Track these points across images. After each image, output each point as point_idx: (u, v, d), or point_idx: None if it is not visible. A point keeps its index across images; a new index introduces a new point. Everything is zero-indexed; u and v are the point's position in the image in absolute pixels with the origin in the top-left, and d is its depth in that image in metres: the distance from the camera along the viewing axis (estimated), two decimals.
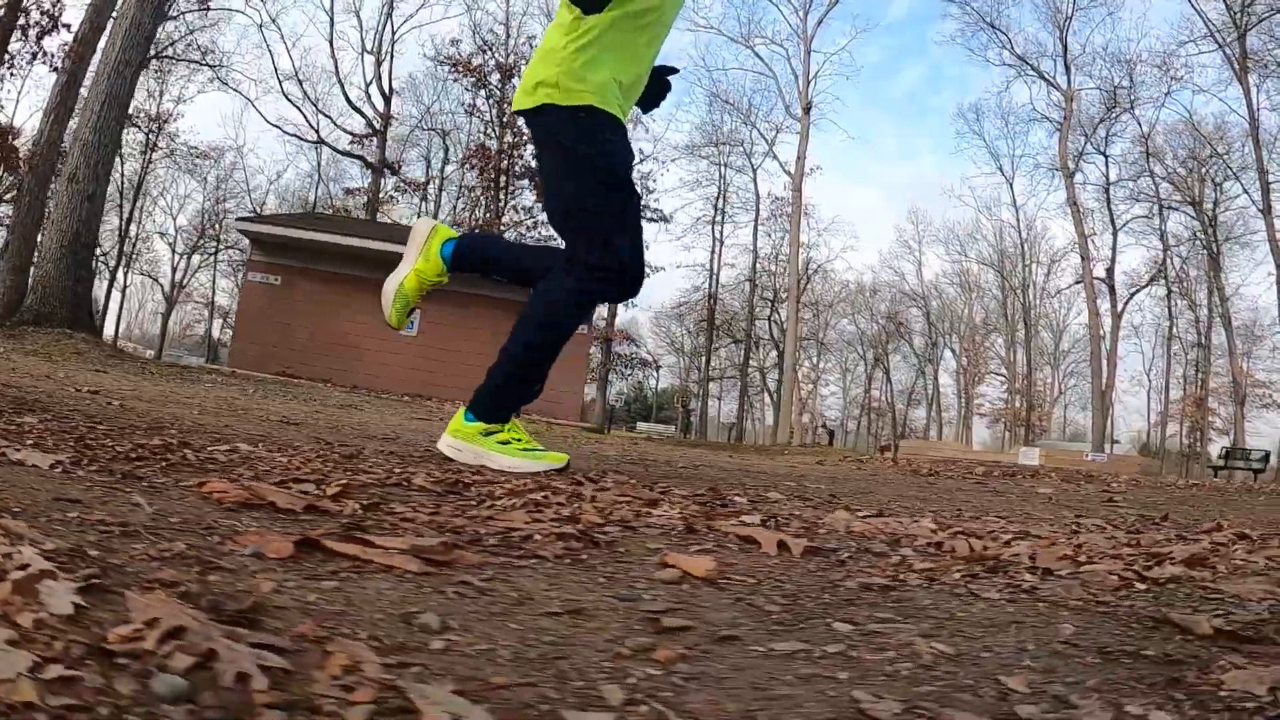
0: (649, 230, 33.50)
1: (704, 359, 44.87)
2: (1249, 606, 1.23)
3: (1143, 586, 1.36)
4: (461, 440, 2.78)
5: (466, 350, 17.11)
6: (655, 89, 3.15)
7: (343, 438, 3.86)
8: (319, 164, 39.23)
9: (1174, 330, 49.56)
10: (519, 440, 2.77)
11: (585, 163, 2.74)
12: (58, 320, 15.09)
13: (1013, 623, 1.12)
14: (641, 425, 40.70)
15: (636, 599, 1.13)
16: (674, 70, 3.21)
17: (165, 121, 40.89)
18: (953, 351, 52.78)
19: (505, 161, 28.62)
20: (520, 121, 3.08)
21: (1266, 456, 26.70)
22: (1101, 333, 45.42)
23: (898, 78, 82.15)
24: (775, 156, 35.03)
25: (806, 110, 33.17)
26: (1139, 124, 39.28)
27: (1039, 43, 39.73)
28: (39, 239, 16.66)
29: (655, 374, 45.92)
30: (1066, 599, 1.26)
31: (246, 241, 21.67)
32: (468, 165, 30.58)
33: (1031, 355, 48.02)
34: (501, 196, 29.15)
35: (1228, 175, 39.86)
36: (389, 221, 30.96)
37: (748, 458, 9.29)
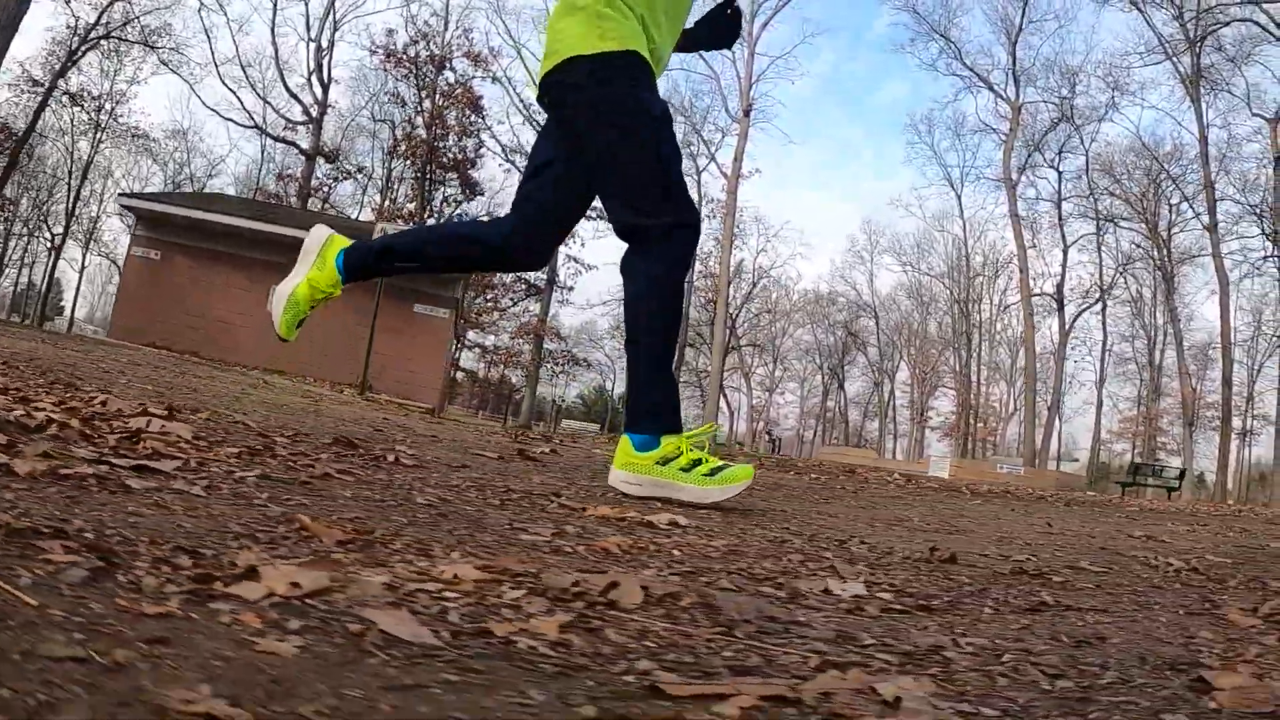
0: (590, 231, 33.34)
1: None
2: None
3: None
4: (638, 474, 2.46)
5: (329, 330, 17.68)
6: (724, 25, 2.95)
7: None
8: (262, 150, 39.15)
9: (1132, 349, 49.45)
10: (702, 462, 2.46)
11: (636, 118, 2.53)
12: None
13: None
14: (567, 422, 40.49)
15: None
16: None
17: (118, 102, 40.83)
18: (908, 364, 52.59)
19: (432, 151, 28.43)
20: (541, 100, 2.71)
21: (1182, 474, 26.27)
22: (1050, 348, 45.34)
23: (856, 84, 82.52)
24: (714, 160, 34.92)
25: (746, 112, 33.00)
26: (1081, 139, 39.14)
27: (990, 54, 39.59)
28: None
29: (583, 372, 45.49)
30: None
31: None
32: (395, 154, 30.40)
33: (976, 369, 47.84)
34: (429, 187, 28.97)
35: (1184, 196, 39.70)
36: (284, 204, 30.92)
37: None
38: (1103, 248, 44.12)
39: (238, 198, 28.94)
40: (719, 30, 2.89)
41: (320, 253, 2.77)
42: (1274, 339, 35.03)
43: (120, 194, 24.32)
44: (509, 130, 43.27)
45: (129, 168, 47.34)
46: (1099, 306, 44.26)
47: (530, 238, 2.75)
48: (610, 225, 2.59)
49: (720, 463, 2.46)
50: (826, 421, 55.30)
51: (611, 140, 2.50)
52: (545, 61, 2.56)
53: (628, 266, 2.56)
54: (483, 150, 31.11)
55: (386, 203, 30.83)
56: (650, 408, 2.50)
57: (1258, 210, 35.03)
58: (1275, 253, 33.43)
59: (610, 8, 2.47)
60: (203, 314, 19.07)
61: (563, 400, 54.59)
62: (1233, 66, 35.49)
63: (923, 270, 50.09)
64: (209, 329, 18.66)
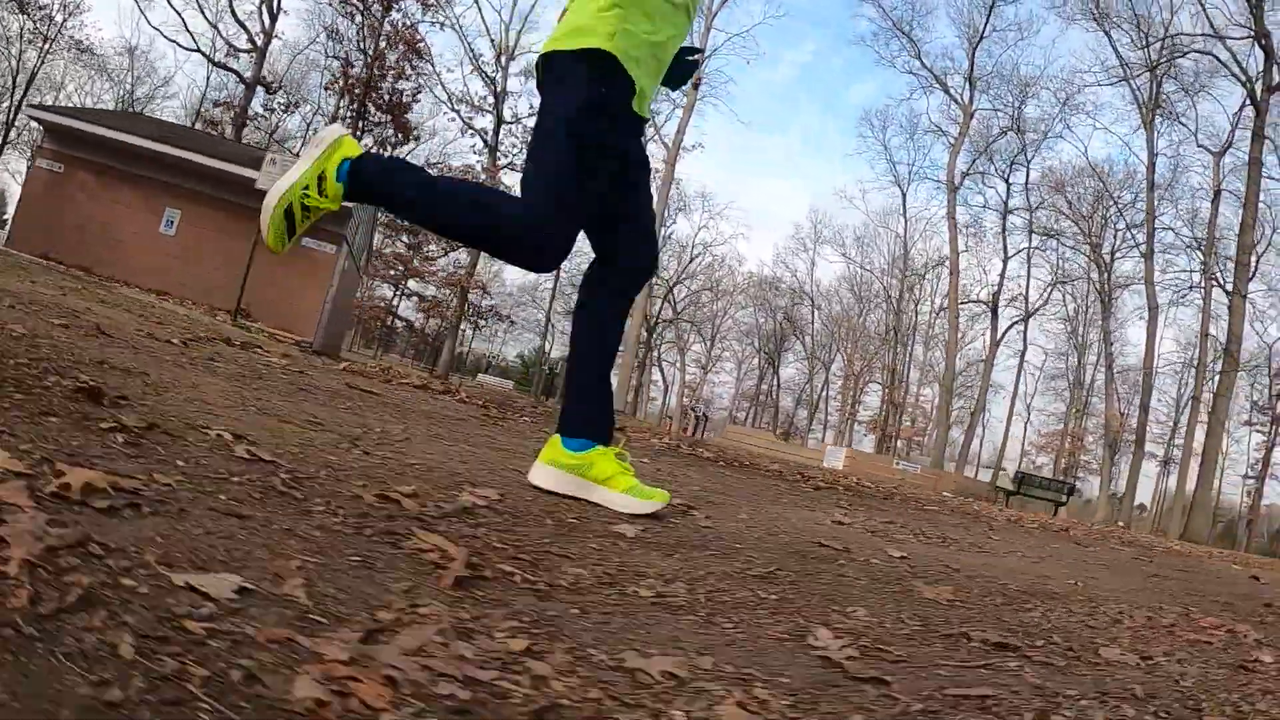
0: None
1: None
2: None
3: None
4: (563, 472, 2.49)
5: (218, 256, 17.96)
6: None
7: None
8: (208, 76, 38.53)
9: (1066, 366, 50.16)
10: (622, 474, 2.49)
11: None
12: None
13: None
14: (483, 377, 40.43)
15: None
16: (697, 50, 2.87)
17: (70, 13, 39.98)
18: (843, 356, 52.99)
19: (368, 91, 28.08)
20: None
21: (1071, 489, 26.44)
22: (986, 356, 45.89)
23: (834, 78, 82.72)
24: (658, 130, 34.79)
25: (695, 85, 32.80)
26: (1025, 150, 39.48)
27: (952, 58, 39.77)
28: None
29: (508, 328, 45.36)
30: None
31: None
32: (332, 90, 30.04)
33: (907, 367, 48.31)
34: (363, 125, 28.64)
35: (1128, 224, 40.22)
36: (216, 133, 30.45)
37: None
38: (1045, 264, 44.65)
39: (152, 119, 28.37)
40: (671, 70, 2.76)
41: (322, 155, 2.33)
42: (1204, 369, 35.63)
43: (29, 105, 23.86)
44: (459, 79, 42.76)
45: (82, 83, 46.51)
46: (1031, 318, 44.82)
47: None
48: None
49: (636, 483, 2.50)
50: (760, 405, 55.71)
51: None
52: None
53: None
54: (419, 95, 30.83)
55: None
56: (584, 414, 2.53)
57: (1194, 243, 35.62)
58: (1202, 284, 34.00)
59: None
60: (99, 231, 18.98)
61: (498, 358, 54.63)
62: (1187, 98, 35.87)
63: (858, 263, 50.53)
64: (104, 247, 18.56)
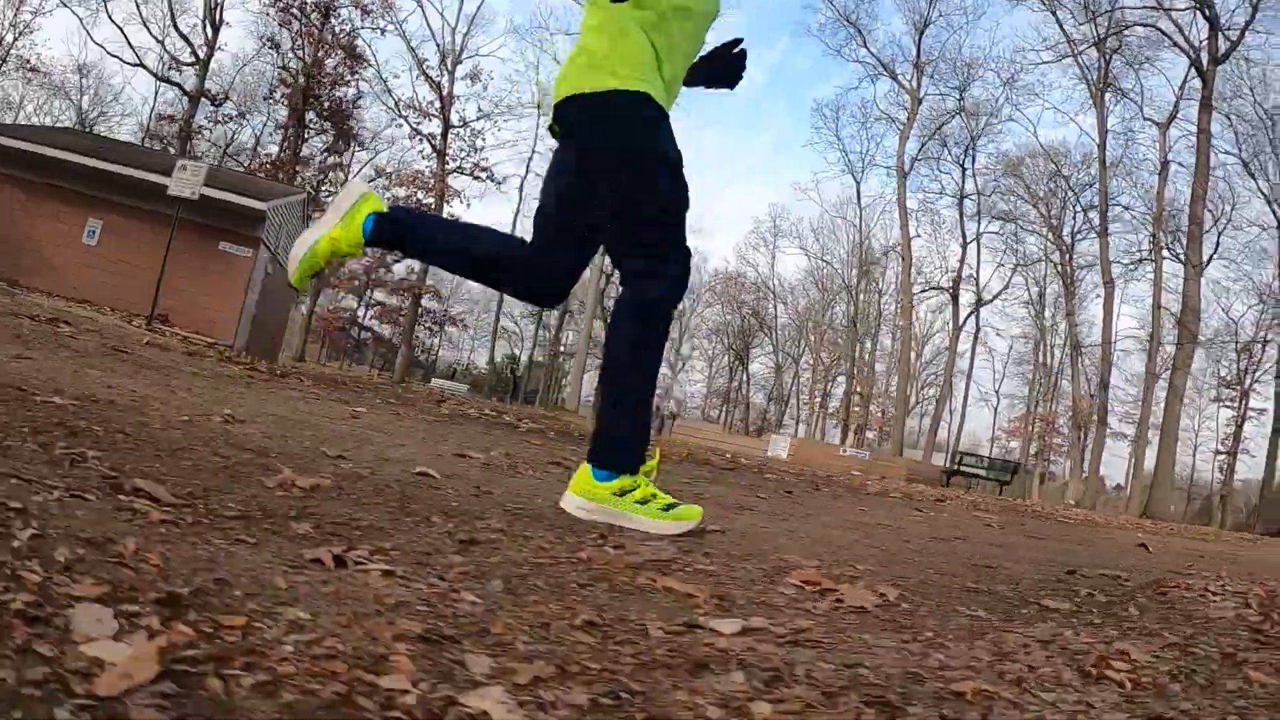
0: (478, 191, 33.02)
1: (535, 329, 44.68)
2: None
3: None
4: (593, 502, 2.47)
5: (140, 264, 17.98)
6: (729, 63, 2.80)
7: None
8: (156, 90, 38.33)
9: (1033, 350, 50.20)
10: (655, 498, 2.47)
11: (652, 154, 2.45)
12: None
13: None
14: (438, 381, 40.31)
15: None
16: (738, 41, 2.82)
17: (21, 33, 39.81)
18: (811, 350, 53.01)
19: (306, 98, 27.92)
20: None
21: (1015, 468, 26.26)
22: (955, 344, 45.94)
23: (800, 79, 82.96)
24: None
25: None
26: (970, 132, 39.57)
27: (900, 45, 39.80)
28: None
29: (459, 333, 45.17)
30: None
31: None
32: (272, 99, 29.87)
33: (871, 355, 48.31)
34: (302, 134, 28.50)
35: (1080, 204, 40.29)
36: (159, 148, 30.29)
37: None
38: (1007, 249, 44.73)
39: (77, 132, 28.27)
40: (718, 67, 2.78)
41: (351, 209, 2.56)
42: (1157, 343, 35.63)
43: None
44: (408, 85, 42.58)
45: (41, 103, 46.39)
46: (995, 304, 44.89)
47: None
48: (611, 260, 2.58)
49: (671, 500, 2.50)
50: (731, 402, 55.64)
51: (624, 179, 2.45)
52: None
53: (619, 302, 2.55)
54: (360, 101, 30.70)
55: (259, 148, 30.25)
56: (616, 441, 2.49)
57: (1145, 216, 35.69)
58: (1152, 256, 34.07)
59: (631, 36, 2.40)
60: (22, 243, 18.96)
61: (470, 365, 54.65)
62: (1133, 72, 35.96)
63: (816, 254, 50.57)
64: (29, 259, 18.59)
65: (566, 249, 2.60)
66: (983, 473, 24.87)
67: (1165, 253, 33.74)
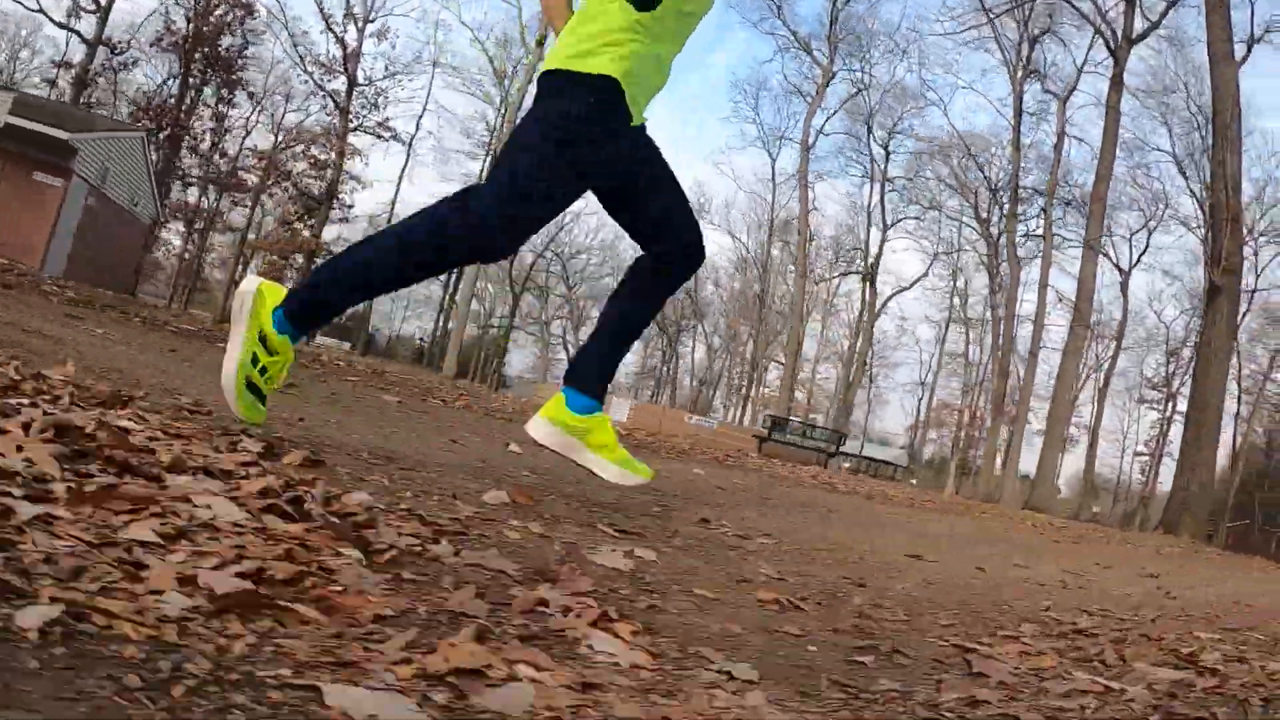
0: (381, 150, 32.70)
1: (446, 295, 44.47)
2: None
3: None
4: (563, 432, 2.53)
5: None
6: None
7: None
8: (66, 41, 37.97)
9: (972, 346, 50.08)
10: (617, 446, 2.58)
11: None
12: None
13: None
14: (321, 339, 39.94)
15: None
16: None
17: None
18: (745, 334, 52.89)
19: (194, 47, 27.63)
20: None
21: (840, 438, 25.56)
22: (885, 330, 45.82)
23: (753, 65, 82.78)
24: (506, 92, 34.24)
25: (540, 43, 32.48)
26: (865, 103, 39.36)
27: (822, 21, 39.54)
28: None
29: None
30: None
31: None
32: (159, 47, 29.51)
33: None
34: (191, 94, 28.17)
35: (990, 186, 40.15)
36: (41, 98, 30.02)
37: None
38: (928, 235, 44.64)
39: None
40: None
41: (252, 311, 2.27)
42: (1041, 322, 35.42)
43: None
44: (325, 42, 42.15)
45: None
46: (915, 291, 44.78)
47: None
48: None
49: (627, 455, 2.57)
50: (661, 383, 55.54)
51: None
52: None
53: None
54: (247, 51, 30.40)
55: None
56: (602, 376, 2.59)
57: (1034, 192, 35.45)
58: (1041, 233, 33.85)
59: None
60: None
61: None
62: (1039, 47, 35.58)
63: (727, 230, 50.51)
64: None
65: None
66: (801, 440, 24.10)
67: (1069, 234, 33.48)
